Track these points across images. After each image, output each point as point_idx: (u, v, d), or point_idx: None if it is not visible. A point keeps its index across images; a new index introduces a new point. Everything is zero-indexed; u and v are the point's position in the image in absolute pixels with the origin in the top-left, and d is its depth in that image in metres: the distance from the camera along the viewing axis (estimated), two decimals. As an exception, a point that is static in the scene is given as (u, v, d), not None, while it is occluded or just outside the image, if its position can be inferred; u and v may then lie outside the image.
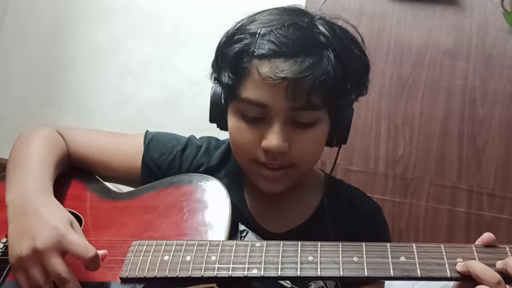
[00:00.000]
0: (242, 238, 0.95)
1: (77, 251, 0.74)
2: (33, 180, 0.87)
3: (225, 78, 0.89)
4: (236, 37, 0.89)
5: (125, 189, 1.01)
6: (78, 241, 0.75)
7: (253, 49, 0.85)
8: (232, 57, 0.88)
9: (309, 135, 0.88)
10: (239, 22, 0.92)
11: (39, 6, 2.10)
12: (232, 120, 0.91)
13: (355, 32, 0.94)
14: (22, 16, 2.10)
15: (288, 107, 0.85)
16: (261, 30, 0.86)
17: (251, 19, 0.91)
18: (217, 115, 0.94)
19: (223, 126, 0.95)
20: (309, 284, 0.94)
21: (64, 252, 0.74)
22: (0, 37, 2.10)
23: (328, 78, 0.84)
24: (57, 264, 0.73)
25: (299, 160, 0.90)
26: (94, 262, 0.74)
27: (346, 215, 0.99)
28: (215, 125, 0.97)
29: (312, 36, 0.87)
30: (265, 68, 0.84)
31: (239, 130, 0.90)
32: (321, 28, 0.88)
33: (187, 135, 1.08)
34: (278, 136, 0.85)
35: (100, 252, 0.77)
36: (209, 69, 0.98)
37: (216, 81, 0.95)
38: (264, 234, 0.96)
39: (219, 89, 0.93)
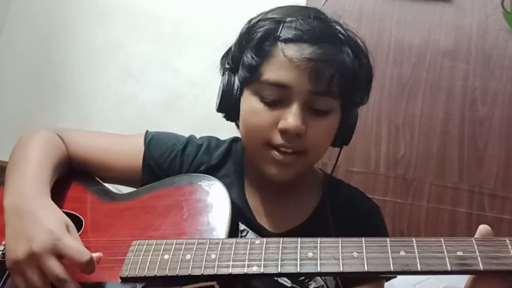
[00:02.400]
0: (243, 237, 0.94)
1: (72, 254, 0.74)
2: (30, 184, 0.87)
3: (248, 59, 0.92)
4: (261, 23, 0.92)
5: (124, 190, 1.01)
6: (73, 245, 0.75)
7: (278, 33, 0.89)
8: (258, 39, 0.91)
9: (323, 123, 0.91)
10: (260, 14, 0.96)
11: (39, 8, 2.10)
12: (248, 103, 0.92)
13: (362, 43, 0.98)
14: (22, 19, 2.11)
15: (309, 90, 0.88)
16: (286, 18, 0.90)
17: (274, 11, 0.95)
18: (228, 104, 0.95)
19: (231, 116, 0.97)
20: (309, 283, 0.93)
21: (59, 255, 0.75)
22: None
23: (347, 70, 0.89)
24: (54, 266, 0.73)
25: (312, 146, 0.91)
26: (88, 266, 0.74)
27: (345, 214, 0.99)
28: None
29: (333, 31, 0.92)
30: (290, 51, 0.88)
31: (255, 112, 0.91)
32: (339, 28, 0.93)
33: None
34: (296, 117, 0.87)
35: (95, 255, 0.77)
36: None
37: (229, 72, 0.96)
38: (264, 234, 0.96)
39: (232, 78, 0.95)
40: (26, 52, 2.09)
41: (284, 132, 0.88)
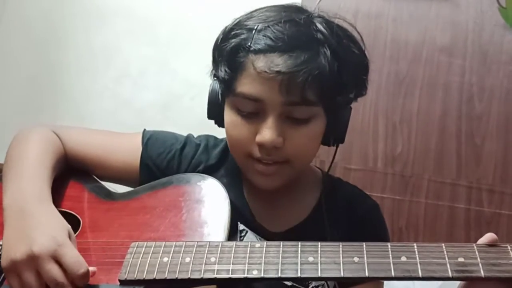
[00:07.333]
0: (242, 237, 0.94)
1: (70, 264, 0.74)
2: (31, 184, 0.86)
3: (222, 73, 0.90)
4: (234, 33, 0.90)
5: (121, 189, 1.01)
6: (73, 254, 0.75)
7: (249, 44, 0.86)
8: (229, 52, 0.89)
9: (304, 131, 0.88)
10: (237, 19, 0.93)
11: (36, 10, 2.09)
12: (228, 115, 0.92)
13: (354, 31, 0.95)
14: (19, 21, 2.10)
15: (282, 102, 0.85)
16: (258, 26, 0.87)
17: (249, 15, 0.92)
18: (215, 112, 0.95)
19: (220, 122, 0.95)
20: (309, 282, 0.93)
21: (58, 261, 0.74)
22: (-3, 42, 2.10)
23: (323, 74, 0.85)
24: (53, 270, 0.73)
25: (293, 156, 0.90)
26: (83, 279, 0.74)
27: (344, 212, 0.99)
28: (213, 126, 0.98)
29: (308, 32, 0.88)
30: (260, 63, 0.85)
31: (234, 125, 0.90)
32: (319, 25, 0.89)
33: (185, 136, 1.08)
34: (272, 131, 0.86)
35: (91, 269, 0.76)
36: (206, 71, 0.98)
37: (214, 78, 0.96)
38: (264, 233, 0.96)
39: (217, 85, 0.94)
40: (23, 55, 2.08)
41: (261, 146, 0.87)
